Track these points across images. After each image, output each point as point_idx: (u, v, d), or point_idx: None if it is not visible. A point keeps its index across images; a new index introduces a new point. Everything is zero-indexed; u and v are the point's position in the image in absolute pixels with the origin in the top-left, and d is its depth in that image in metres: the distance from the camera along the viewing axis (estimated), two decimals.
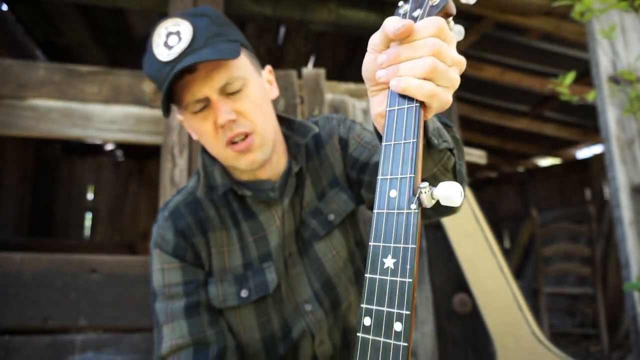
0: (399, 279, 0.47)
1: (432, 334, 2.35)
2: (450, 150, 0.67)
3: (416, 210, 0.48)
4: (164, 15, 2.71)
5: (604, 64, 2.70)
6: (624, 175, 2.60)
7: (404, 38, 0.52)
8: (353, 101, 2.53)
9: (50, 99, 2.15)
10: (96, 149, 5.90)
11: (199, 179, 0.95)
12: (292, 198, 0.94)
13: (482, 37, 3.83)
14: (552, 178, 6.83)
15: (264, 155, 0.86)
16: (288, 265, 0.93)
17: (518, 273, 5.54)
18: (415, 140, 0.51)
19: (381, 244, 0.49)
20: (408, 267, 0.47)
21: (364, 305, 0.49)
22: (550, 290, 4.30)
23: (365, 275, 0.49)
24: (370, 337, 0.47)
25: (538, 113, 5.49)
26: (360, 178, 0.93)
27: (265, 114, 0.87)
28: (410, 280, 0.46)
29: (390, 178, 0.51)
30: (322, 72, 2.45)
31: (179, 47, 0.79)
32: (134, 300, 2.04)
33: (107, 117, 2.20)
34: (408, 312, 0.45)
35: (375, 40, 0.56)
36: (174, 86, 0.81)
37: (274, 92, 0.96)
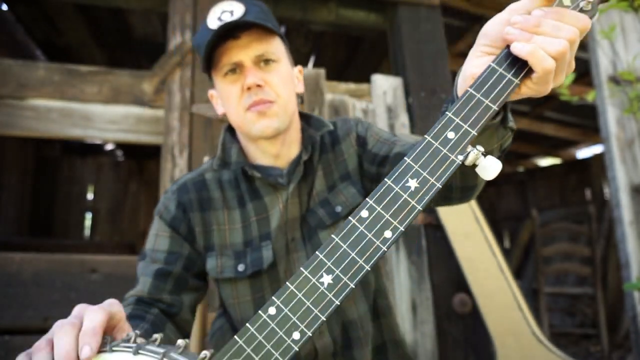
0: (413, 201, 0.53)
1: (432, 334, 2.35)
2: (512, 131, 0.70)
3: (459, 161, 0.53)
4: (164, 15, 2.71)
5: (604, 64, 2.70)
6: (624, 175, 2.60)
7: (553, 14, 0.54)
8: (353, 101, 2.53)
9: (50, 99, 2.15)
10: (96, 149, 5.90)
11: (213, 160, 1.03)
12: (299, 185, 0.98)
13: None
14: (552, 178, 6.83)
15: (279, 124, 0.92)
16: (290, 249, 0.97)
17: (518, 273, 5.54)
18: (494, 107, 0.54)
19: (416, 166, 0.53)
20: (426, 197, 0.52)
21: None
22: (550, 290, 4.30)
23: (386, 180, 0.54)
24: (363, 229, 0.53)
25: (538, 113, 5.50)
26: (379, 172, 0.97)
27: (289, 94, 0.95)
28: (420, 208, 0.52)
29: (457, 122, 0.55)
30: (322, 72, 2.45)
31: (229, 20, 0.88)
32: None
33: (107, 117, 2.20)
34: (403, 230, 0.52)
35: (517, 5, 0.59)
36: (215, 51, 0.91)
37: (300, 87, 1.05)
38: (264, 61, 0.92)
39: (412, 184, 0.53)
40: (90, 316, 0.53)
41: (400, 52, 2.74)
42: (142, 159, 5.92)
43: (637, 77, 2.53)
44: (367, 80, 2.67)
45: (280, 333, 0.50)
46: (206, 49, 0.88)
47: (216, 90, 0.99)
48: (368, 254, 0.51)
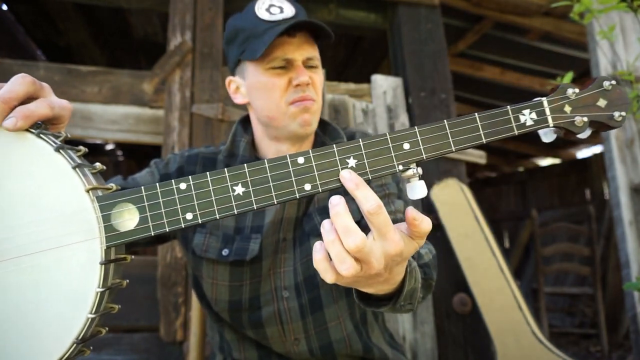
0: (341, 174, 0.58)
1: (432, 333, 2.35)
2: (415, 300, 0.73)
3: (397, 170, 0.59)
4: (164, 15, 2.71)
5: (603, 64, 2.70)
6: (624, 175, 2.61)
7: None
8: (353, 101, 2.53)
9: None
10: (96, 149, 5.90)
11: (223, 147, 1.05)
12: None
13: (482, 37, 3.83)
14: (551, 178, 6.83)
15: (314, 123, 0.96)
16: (279, 249, 0.97)
17: (518, 273, 5.54)
18: (453, 149, 0.60)
19: (363, 151, 0.58)
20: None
21: None
22: (549, 290, 4.30)
23: (334, 145, 0.58)
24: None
25: None
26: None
27: (321, 99, 0.99)
28: (340, 185, 0.58)
29: (418, 140, 0.60)
30: (322, 71, 2.45)
31: (281, 15, 0.92)
32: (134, 300, 2.04)
33: (107, 117, 2.20)
34: (320, 191, 0.57)
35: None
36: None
37: None
38: (310, 64, 0.96)
39: (351, 162, 0.57)
40: (15, 87, 0.54)
41: (400, 52, 2.74)
42: (142, 159, 5.92)
43: (637, 78, 2.53)
44: (367, 80, 2.67)
45: (179, 207, 0.55)
46: (268, 39, 0.89)
47: (246, 79, 0.99)
48: (282, 192, 0.56)
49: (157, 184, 0.56)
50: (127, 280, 0.59)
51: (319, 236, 0.95)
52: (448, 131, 0.58)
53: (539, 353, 2.11)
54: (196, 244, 0.97)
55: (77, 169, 0.54)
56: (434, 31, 2.76)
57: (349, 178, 0.54)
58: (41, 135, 0.54)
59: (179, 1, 2.39)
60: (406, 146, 0.57)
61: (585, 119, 0.61)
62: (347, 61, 4.38)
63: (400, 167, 0.57)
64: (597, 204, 5.41)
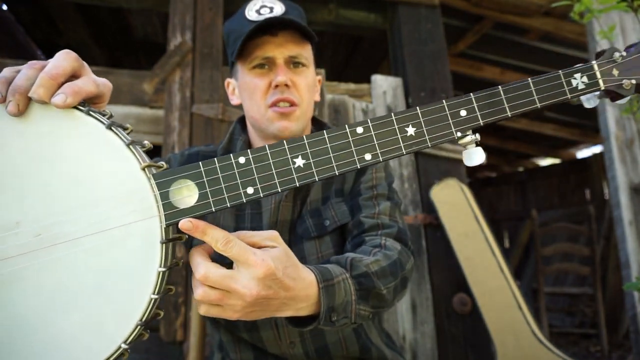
0: (402, 144, 0.59)
1: (432, 333, 2.35)
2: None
3: (455, 137, 0.59)
4: (164, 15, 2.71)
5: None
6: (624, 175, 2.61)
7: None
8: (353, 101, 2.53)
9: None
10: None
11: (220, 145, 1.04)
12: (296, 190, 0.97)
13: (482, 37, 3.83)
14: (551, 178, 6.83)
15: (296, 127, 0.94)
16: None
17: (518, 273, 5.54)
18: (509, 115, 0.60)
19: (421, 118, 0.58)
20: (413, 148, 0.59)
21: None
22: (549, 290, 4.30)
23: (392, 114, 0.58)
24: None
25: (538, 113, 5.50)
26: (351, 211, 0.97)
27: (310, 100, 0.97)
28: (404, 153, 0.59)
29: (475, 106, 0.60)
30: (322, 72, 2.45)
31: (269, 15, 0.91)
32: None
33: None
34: (381, 160, 0.58)
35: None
36: (248, 43, 0.91)
37: (317, 95, 1.05)
38: (295, 63, 0.94)
39: (410, 130, 0.57)
40: (61, 63, 0.54)
41: (400, 52, 2.74)
42: None
43: None
44: (367, 80, 2.67)
45: (239, 181, 0.54)
46: (244, 38, 0.89)
47: (237, 80, 0.99)
48: (343, 162, 0.56)
49: (215, 159, 0.54)
50: (183, 261, 0.59)
51: (311, 239, 0.94)
52: (503, 97, 0.58)
53: (538, 353, 2.11)
54: (196, 243, 0.96)
55: (131, 147, 0.53)
56: (434, 31, 2.76)
57: (193, 227, 0.53)
58: (91, 113, 0.53)
59: (179, 1, 2.39)
60: (463, 113, 0.57)
61: (634, 81, 0.60)
62: (347, 61, 4.38)
63: (459, 134, 0.57)
64: (597, 204, 5.41)
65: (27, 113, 0.53)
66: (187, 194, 0.54)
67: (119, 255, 0.52)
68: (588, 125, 5.68)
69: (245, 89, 0.95)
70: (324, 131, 0.56)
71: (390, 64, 2.93)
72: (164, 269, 0.52)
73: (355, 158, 0.56)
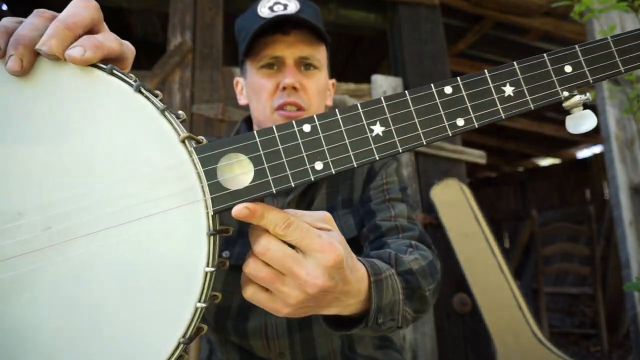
0: (500, 106, 0.49)
1: (432, 333, 2.35)
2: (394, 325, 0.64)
3: (561, 97, 0.49)
4: (164, 15, 2.71)
5: None
6: (624, 175, 2.60)
7: None
8: (353, 101, 2.53)
9: None
10: None
11: None
12: (300, 198, 0.92)
13: (482, 37, 3.83)
14: (552, 178, 6.83)
15: None
16: None
17: (518, 273, 5.54)
18: (622, 69, 0.50)
19: (520, 75, 0.49)
20: (512, 110, 0.49)
21: None
22: (550, 290, 4.30)
23: (485, 71, 0.49)
24: None
25: (538, 113, 5.50)
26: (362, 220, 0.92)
27: (319, 105, 0.92)
28: (503, 117, 0.49)
29: (581, 61, 0.51)
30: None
31: (281, 12, 0.85)
32: None
33: None
34: (476, 126, 0.48)
35: None
36: (257, 41, 0.86)
37: (329, 100, 1.00)
38: (306, 65, 0.89)
39: (508, 90, 0.48)
40: (79, 11, 0.44)
41: (400, 52, 2.74)
42: None
43: (637, 77, 2.53)
44: (367, 80, 2.67)
45: (304, 154, 0.44)
46: (253, 35, 0.84)
47: (246, 79, 0.94)
48: (432, 129, 0.46)
49: (274, 127, 0.44)
50: (228, 259, 0.48)
51: None
52: (613, 49, 0.49)
53: (538, 353, 2.11)
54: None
55: (166, 113, 0.43)
56: (434, 31, 2.76)
57: (250, 213, 0.42)
58: (115, 72, 0.43)
59: (179, 1, 2.39)
60: (568, 69, 0.48)
61: None
62: (347, 61, 4.38)
63: (565, 94, 0.48)
64: (597, 204, 5.41)
65: (32, 72, 0.42)
66: (239, 172, 0.43)
67: (151, 254, 0.41)
68: None
69: (252, 89, 0.91)
70: (406, 92, 0.46)
71: (390, 64, 2.93)
72: (211, 269, 0.41)
73: (446, 124, 0.46)
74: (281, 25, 0.85)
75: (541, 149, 7.24)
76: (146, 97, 0.43)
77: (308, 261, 0.46)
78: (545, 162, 7.80)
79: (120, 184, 0.41)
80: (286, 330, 0.88)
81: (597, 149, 6.54)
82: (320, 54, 0.91)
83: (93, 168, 0.42)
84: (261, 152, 0.43)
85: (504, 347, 2.16)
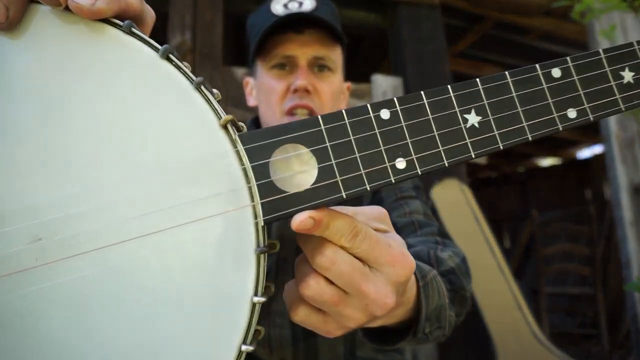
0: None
1: None
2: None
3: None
4: (163, 15, 2.70)
5: None
6: (625, 175, 2.60)
7: None
8: (353, 101, 2.53)
9: None
10: None
11: None
12: None
13: (482, 37, 3.82)
14: (552, 178, 6.83)
15: None
16: (278, 268, 0.87)
17: (518, 273, 5.53)
18: None
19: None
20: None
21: None
22: (550, 290, 4.30)
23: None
24: None
25: None
26: None
27: (332, 109, 0.86)
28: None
29: None
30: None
31: (296, 10, 0.80)
32: None
33: None
34: (591, 119, 0.41)
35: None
36: (269, 40, 0.81)
37: (344, 104, 0.95)
38: (320, 66, 0.84)
39: (628, 76, 0.39)
40: None
41: (400, 52, 2.73)
42: None
43: None
44: (367, 80, 2.67)
45: (382, 148, 0.34)
46: (264, 33, 0.79)
47: (256, 80, 0.89)
48: (539, 121, 0.37)
49: (343, 111, 0.35)
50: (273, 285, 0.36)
51: None
52: None
53: (539, 353, 2.11)
54: None
55: (203, 88, 0.33)
56: (434, 31, 2.76)
57: (315, 224, 0.33)
58: (134, 31, 0.33)
59: (179, 1, 2.39)
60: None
61: None
62: (347, 61, 4.37)
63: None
64: (597, 204, 5.40)
65: (23, 27, 0.32)
66: (298, 169, 0.33)
67: (179, 280, 0.31)
68: (588, 125, 5.67)
69: (262, 90, 0.86)
70: (506, 73, 0.38)
71: (390, 64, 2.93)
72: (261, 299, 0.32)
73: (555, 115, 0.37)
74: (295, 23, 0.81)
75: (541, 149, 7.23)
76: (176, 65, 0.33)
77: (377, 277, 0.37)
78: (546, 162, 7.79)
79: (138, 181, 0.31)
80: (290, 341, 0.85)
81: (597, 149, 6.53)
82: (335, 55, 0.86)
83: (101, 159, 0.31)
84: (327, 144, 0.33)
85: (504, 347, 2.15)
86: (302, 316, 0.39)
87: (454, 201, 2.42)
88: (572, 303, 4.64)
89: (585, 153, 7.21)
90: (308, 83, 0.80)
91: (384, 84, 2.62)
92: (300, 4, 0.81)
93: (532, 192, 7.01)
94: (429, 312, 0.51)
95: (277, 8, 0.82)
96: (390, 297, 0.38)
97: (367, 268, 0.37)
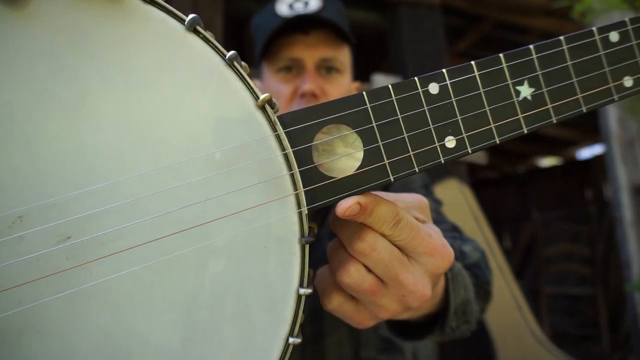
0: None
1: None
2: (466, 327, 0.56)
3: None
4: None
5: None
6: (625, 175, 2.60)
7: None
8: None
9: None
10: None
11: None
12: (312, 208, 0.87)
13: (482, 37, 3.82)
14: (552, 178, 6.82)
15: None
16: None
17: (518, 273, 5.53)
18: None
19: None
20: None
21: None
22: (550, 290, 4.30)
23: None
24: None
25: None
26: None
27: None
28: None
29: None
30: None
31: (302, 10, 0.78)
32: None
33: None
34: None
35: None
36: (275, 41, 0.80)
37: None
38: (327, 68, 0.82)
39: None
40: None
41: (400, 52, 2.73)
42: None
43: None
44: (367, 80, 2.67)
45: (431, 127, 0.32)
46: (270, 35, 0.78)
47: (263, 82, 0.87)
48: (594, 92, 0.34)
49: (390, 86, 0.32)
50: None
51: (326, 263, 0.86)
52: None
53: (539, 353, 2.10)
54: None
55: (236, 64, 0.30)
56: (434, 31, 2.76)
57: (361, 210, 0.32)
58: (156, 1, 0.30)
59: (179, 1, 2.39)
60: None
61: None
62: None
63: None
64: (597, 205, 5.40)
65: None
66: (343, 152, 0.31)
67: (221, 275, 0.29)
68: (588, 125, 5.67)
69: (269, 93, 0.85)
70: (561, 38, 0.35)
71: (390, 64, 2.93)
72: (307, 291, 0.31)
73: (611, 85, 0.34)
74: (300, 24, 0.79)
75: (541, 149, 7.23)
76: (204, 39, 0.30)
77: (415, 267, 0.36)
78: (546, 162, 7.79)
79: (169, 172, 0.28)
80: (298, 345, 0.84)
81: (597, 149, 6.53)
82: (343, 56, 0.84)
83: (126, 150, 0.28)
84: (374, 124, 0.31)
85: (504, 347, 2.15)
86: (335, 304, 0.38)
87: (454, 201, 2.42)
88: (573, 303, 4.64)
89: (586, 153, 7.21)
90: (315, 87, 0.78)
91: (384, 84, 2.62)
92: (306, 4, 0.80)
93: (533, 192, 7.01)
94: (457, 305, 0.50)
95: (283, 9, 0.80)
96: (428, 289, 0.37)
97: (405, 257, 0.36)
